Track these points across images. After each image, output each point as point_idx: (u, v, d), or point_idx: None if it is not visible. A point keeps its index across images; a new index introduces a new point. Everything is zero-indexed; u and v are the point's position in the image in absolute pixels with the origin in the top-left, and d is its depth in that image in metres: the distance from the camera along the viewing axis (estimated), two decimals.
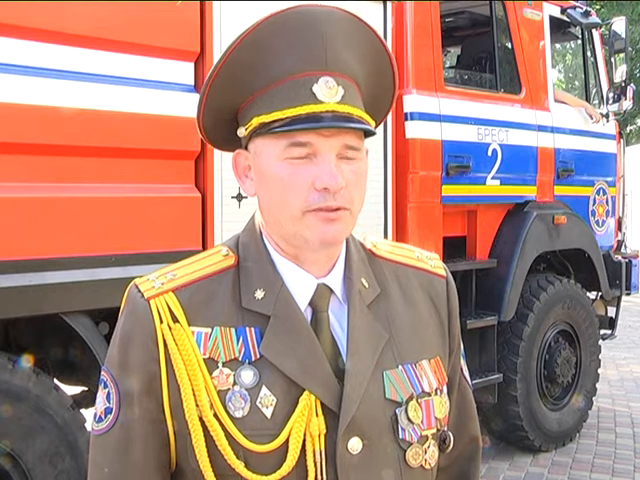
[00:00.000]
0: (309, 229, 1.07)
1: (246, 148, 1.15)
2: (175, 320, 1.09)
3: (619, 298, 6.06)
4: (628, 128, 20.61)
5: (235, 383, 1.07)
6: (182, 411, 1.07)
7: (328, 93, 1.06)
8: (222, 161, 3.29)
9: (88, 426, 2.82)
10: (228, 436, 1.05)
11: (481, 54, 5.28)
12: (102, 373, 1.15)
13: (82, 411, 3.09)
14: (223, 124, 1.15)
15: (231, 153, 1.18)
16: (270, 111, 1.07)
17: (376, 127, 1.16)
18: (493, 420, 5.15)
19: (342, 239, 1.13)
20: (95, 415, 1.15)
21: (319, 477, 1.06)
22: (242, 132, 1.12)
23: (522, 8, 5.10)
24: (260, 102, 1.09)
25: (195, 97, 3.16)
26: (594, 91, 5.96)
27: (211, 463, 1.06)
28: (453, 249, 4.78)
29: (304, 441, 1.06)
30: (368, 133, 1.11)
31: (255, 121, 1.09)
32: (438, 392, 1.17)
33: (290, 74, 1.06)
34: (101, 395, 1.13)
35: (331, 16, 1.08)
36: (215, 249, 1.19)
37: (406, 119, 4.27)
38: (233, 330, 1.09)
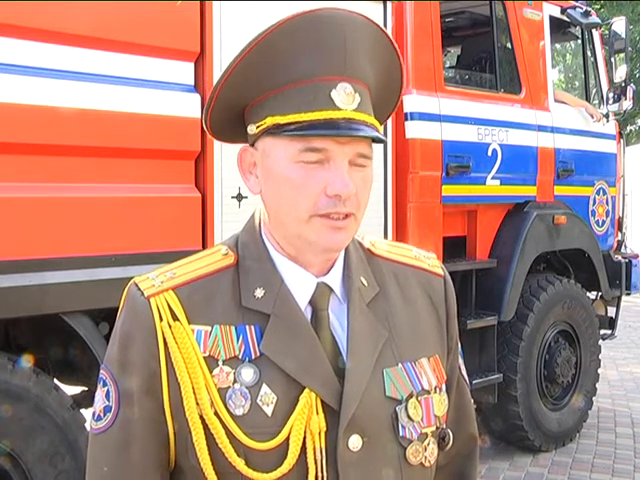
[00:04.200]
0: (315, 233, 1.08)
1: (253, 145, 1.14)
2: (175, 318, 1.09)
3: (619, 298, 6.06)
4: (628, 128, 20.60)
5: (235, 381, 1.07)
6: (182, 409, 1.07)
7: (346, 100, 1.06)
8: (222, 161, 3.29)
9: (88, 426, 2.82)
10: (229, 434, 1.05)
11: (481, 54, 5.28)
12: (101, 371, 1.15)
13: (82, 411, 3.09)
14: (230, 119, 1.15)
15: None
16: (286, 112, 1.06)
17: None
18: (493, 420, 5.15)
19: (345, 245, 1.14)
20: (94, 414, 1.14)
21: (319, 475, 1.06)
22: (252, 129, 1.12)
23: (522, 8, 5.10)
24: (274, 102, 1.08)
25: (195, 97, 3.19)
26: (594, 91, 5.96)
27: (212, 461, 1.06)
28: (453, 249, 4.78)
29: (304, 439, 1.06)
30: (376, 140, 1.11)
31: (269, 121, 1.08)
32: (437, 390, 1.18)
33: (308, 77, 1.06)
34: (100, 393, 1.13)
35: (353, 21, 1.08)
36: (214, 248, 1.19)
37: (406, 119, 4.27)
38: (233, 328, 1.09)
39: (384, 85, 1.16)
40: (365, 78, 1.10)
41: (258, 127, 1.10)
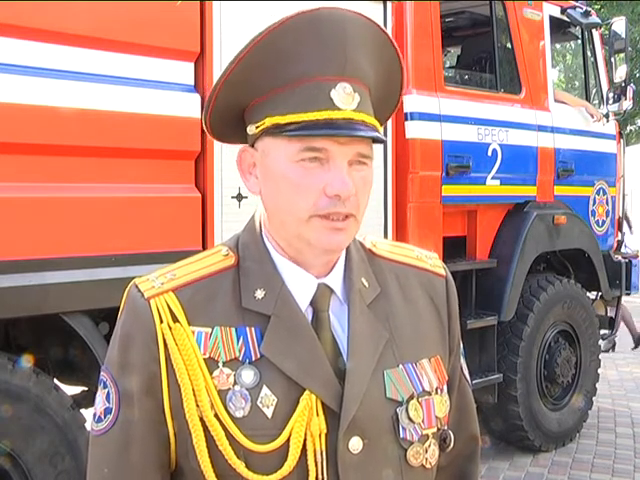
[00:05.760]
0: (314, 233, 1.07)
1: (252, 145, 1.14)
2: (175, 320, 1.09)
3: (619, 298, 6.06)
4: (628, 128, 20.59)
5: (236, 383, 1.06)
6: (182, 411, 1.06)
7: (345, 99, 1.06)
8: (222, 161, 3.29)
9: (88, 426, 2.81)
10: (229, 436, 1.05)
11: (481, 54, 5.28)
12: (102, 373, 1.14)
13: (82, 411, 3.09)
14: (230, 119, 1.14)
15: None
16: (285, 113, 1.05)
17: None
18: (493, 420, 5.15)
19: (345, 246, 1.14)
20: (94, 415, 1.14)
21: (320, 477, 1.06)
22: (252, 130, 1.11)
23: (522, 8, 5.10)
24: (274, 102, 1.07)
25: (195, 97, 3.19)
26: (594, 91, 5.96)
27: (212, 463, 1.05)
28: (453, 249, 4.78)
29: (305, 441, 1.05)
30: (376, 140, 1.11)
31: (268, 121, 1.07)
32: (438, 391, 1.17)
33: (308, 76, 1.05)
34: (101, 395, 1.13)
35: (354, 21, 1.07)
36: (215, 249, 1.19)
37: (406, 119, 4.27)
38: (233, 330, 1.09)
39: (384, 86, 1.15)
40: (365, 78, 1.09)
41: (257, 127, 1.10)
